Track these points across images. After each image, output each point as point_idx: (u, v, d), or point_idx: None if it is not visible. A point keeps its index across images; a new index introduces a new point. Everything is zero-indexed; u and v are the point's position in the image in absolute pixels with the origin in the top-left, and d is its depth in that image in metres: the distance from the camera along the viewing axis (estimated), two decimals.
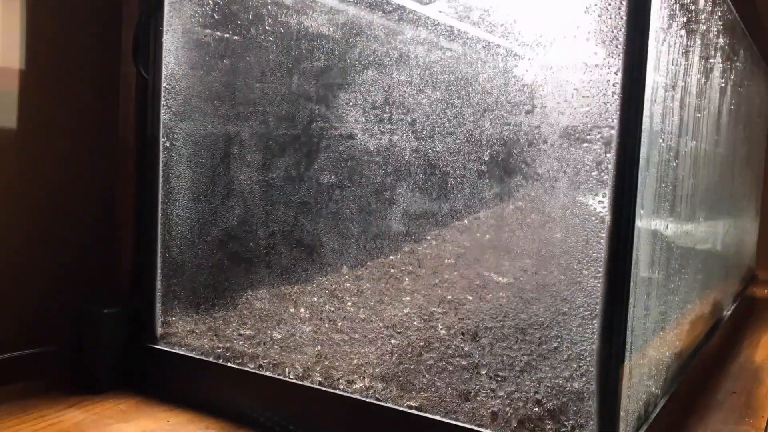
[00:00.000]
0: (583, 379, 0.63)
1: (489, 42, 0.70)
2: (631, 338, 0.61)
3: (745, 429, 0.82)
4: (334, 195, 0.81)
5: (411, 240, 0.77)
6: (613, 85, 0.60)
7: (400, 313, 0.75)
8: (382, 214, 0.77)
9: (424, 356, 0.71)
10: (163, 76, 0.86)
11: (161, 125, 0.86)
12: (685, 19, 0.77)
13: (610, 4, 0.60)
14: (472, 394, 0.67)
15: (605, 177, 0.61)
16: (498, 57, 0.69)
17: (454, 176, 0.72)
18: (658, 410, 0.73)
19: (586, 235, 0.62)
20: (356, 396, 0.70)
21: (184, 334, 0.86)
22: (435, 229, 0.76)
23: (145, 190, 0.87)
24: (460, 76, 0.72)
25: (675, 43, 0.73)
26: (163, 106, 0.87)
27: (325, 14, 0.82)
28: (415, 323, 0.73)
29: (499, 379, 0.66)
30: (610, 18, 0.60)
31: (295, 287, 0.85)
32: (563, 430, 0.62)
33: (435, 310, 0.73)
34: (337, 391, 0.71)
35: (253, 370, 0.77)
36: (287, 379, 0.75)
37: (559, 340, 0.65)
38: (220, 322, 0.86)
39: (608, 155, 0.61)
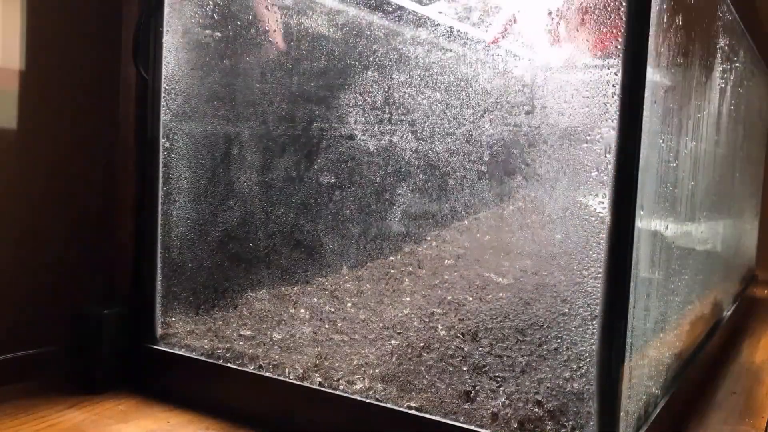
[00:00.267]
0: (583, 379, 0.63)
1: (489, 42, 0.70)
2: (631, 339, 0.61)
3: (745, 429, 0.82)
4: (334, 196, 0.81)
5: (411, 240, 0.77)
6: (613, 85, 0.60)
7: (400, 314, 0.75)
8: (382, 215, 0.77)
9: (424, 357, 0.71)
10: (163, 77, 0.86)
11: (161, 126, 0.86)
12: (685, 19, 0.77)
13: (610, 4, 0.60)
14: (472, 395, 0.67)
15: (605, 177, 0.61)
16: (498, 57, 0.69)
17: (453, 177, 0.72)
18: (658, 410, 0.73)
19: (586, 235, 0.62)
20: (356, 396, 0.70)
21: (184, 335, 0.86)
22: (435, 230, 0.76)
23: (145, 191, 0.87)
24: (459, 77, 0.72)
25: (675, 43, 0.73)
26: (163, 106, 0.87)
27: (325, 15, 0.82)
28: (415, 324, 0.73)
29: (499, 379, 0.66)
30: (610, 18, 0.60)
31: (295, 288, 0.85)
32: None
33: (435, 310, 0.73)
34: (337, 392, 0.71)
35: (253, 371, 0.77)
36: (287, 379, 0.75)
37: (559, 340, 0.65)
38: (220, 322, 0.86)
39: (608, 156, 0.61)
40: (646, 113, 0.59)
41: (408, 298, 0.75)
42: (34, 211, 0.87)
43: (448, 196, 0.72)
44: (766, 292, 1.89)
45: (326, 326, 0.78)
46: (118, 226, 0.92)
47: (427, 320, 0.73)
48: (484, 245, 0.71)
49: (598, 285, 0.61)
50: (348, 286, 0.80)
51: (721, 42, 1.06)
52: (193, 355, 0.82)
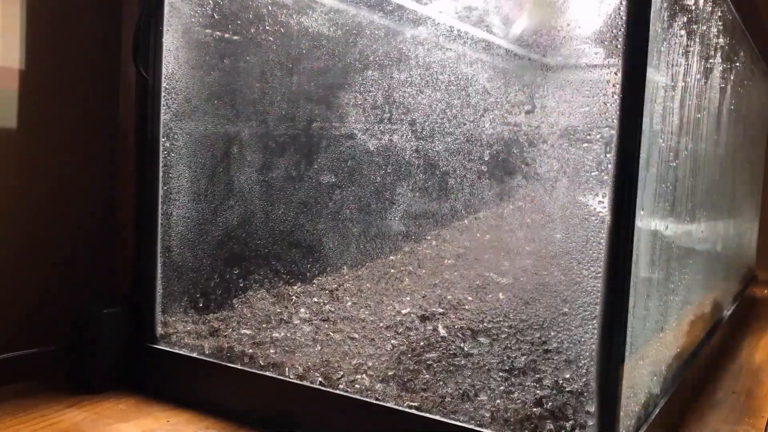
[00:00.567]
0: (583, 379, 0.63)
1: (489, 42, 0.70)
2: (631, 338, 0.61)
3: (745, 429, 0.82)
4: (334, 195, 0.81)
5: (411, 240, 0.77)
6: (613, 85, 0.60)
7: (400, 314, 0.75)
8: (382, 214, 0.77)
9: (425, 356, 0.71)
10: (163, 76, 0.86)
11: (161, 125, 0.86)
12: (685, 19, 0.77)
13: (610, 4, 0.60)
14: (471, 394, 0.67)
15: (605, 177, 0.61)
16: (498, 57, 0.69)
17: (454, 176, 0.72)
18: (658, 410, 0.73)
19: (586, 235, 0.62)
20: (356, 396, 0.70)
21: (183, 334, 0.86)
22: (435, 229, 0.76)
23: (145, 190, 0.87)
24: (459, 76, 0.72)
25: (675, 43, 0.73)
26: (163, 106, 0.87)
27: (325, 14, 0.82)
28: (416, 323, 0.73)
29: (498, 378, 0.66)
30: (610, 18, 0.60)
31: (295, 287, 0.85)
32: None
33: (435, 310, 0.73)
34: (337, 391, 0.71)
35: (253, 370, 0.77)
36: (287, 379, 0.75)
37: (559, 340, 0.65)
38: (220, 321, 0.86)
39: (608, 155, 0.61)
40: (646, 113, 0.59)
41: (408, 298, 0.75)
42: (34, 211, 0.87)
43: (449, 196, 0.72)
44: (766, 292, 1.89)
45: (326, 325, 0.78)
46: (118, 225, 0.92)
47: (427, 319, 0.73)
48: (485, 244, 0.71)
49: (598, 284, 0.61)
50: (348, 285, 0.80)
51: (722, 42, 1.06)
52: (192, 355, 0.82)
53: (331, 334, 0.77)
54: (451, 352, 0.70)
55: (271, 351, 0.79)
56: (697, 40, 0.88)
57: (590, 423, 0.61)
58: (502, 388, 0.66)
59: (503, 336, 0.68)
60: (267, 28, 0.85)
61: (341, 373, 0.73)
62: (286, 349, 0.78)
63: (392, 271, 0.79)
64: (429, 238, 0.78)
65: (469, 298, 0.72)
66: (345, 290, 0.81)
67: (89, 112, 0.92)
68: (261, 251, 0.86)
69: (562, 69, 0.65)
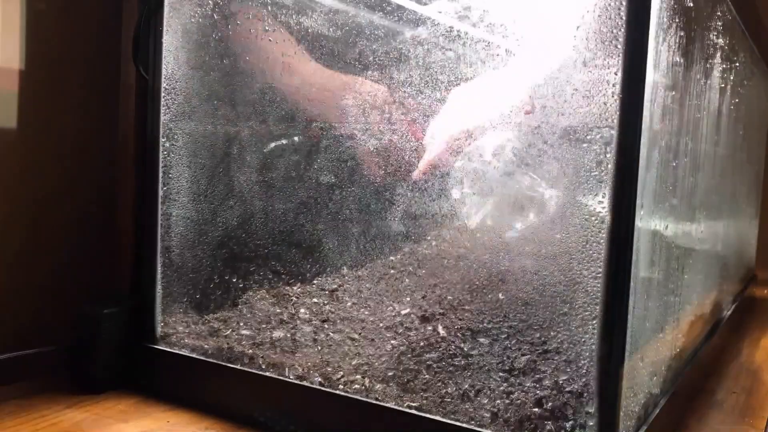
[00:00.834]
0: (583, 379, 0.63)
1: (489, 42, 0.70)
2: (631, 338, 0.61)
3: (745, 429, 0.82)
4: (334, 195, 0.81)
5: (411, 240, 0.77)
6: (613, 85, 0.60)
7: (400, 313, 0.75)
8: (382, 215, 0.77)
9: (425, 356, 0.71)
10: (163, 76, 0.86)
11: (161, 125, 0.86)
12: (685, 19, 0.77)
13: (610, 4, 0.60)
14: (471, 394, 0.67)
15: (605, 177, 0.61)
16: (498, 57, 0.69)
17: (454, 176, 0.72)
18: (658, 410, 0.73)
19: (585, 235, 0.62)
20: (356, 396, 0.70)
21: (184, 334, 0.86)
22: (435, 229, 0.76)
23: (145, 190, 0.87)
24: (459, 76, 0.72)
25: (675, 43, 0.73)
26: (163, 106, 0.86)
27: (324, 14, 0.82)
28: (416, 323, 0.73)
29: (498, 379, 0.66)
30: (610, 18, 0.60)
31: (295, 287, 0.85)
32: None
33: (435, 310, 0.73)
34: (337, 391, 0.71)
35: (253, 370, 0.77)
36: (287, 379, 0.75)
37: (559, 340, 0.65)
38: (220, 322, 0.86)
39: (608, 155, 0.61)
40: (646, 113, 0.59)
41: (408, 298, 0.75)
42: (34, 210, 0.87)
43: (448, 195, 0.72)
44: (766, 292, 1.89)
45: (326, 326, 0.78)
46: (118, 225, 0.92)
47: (427, 319, 0.73)
48: (485, 244, 0.71)
49: (598, 284, 0.61)
50: (348, 285, 0.80)
51: (722, 41, 1.06)
52: (193, 355, 0.82)
53: (331, 334, 0.77)
54: (450, 352, 0.70)
55: (271, 351, 0.79)
56: (697, 40, 0.88)
57: (590, 423, 0.61)
58: (501, 388, 0.66)
59: (503, 336, 0.68)
60: (267, 27, 0.85)
61: (341, 373, 0.73)
62: (286, 349, 0.78)
63: (392, 271, 0.79)
64: (429, 238, 0.78)
65: (469, 298, 0.72)
66: (345, 290, 0.81)
67: (89, 112, 0.92)
68: (261, 251, 0.86)
69: (562, 69, 0.65)
